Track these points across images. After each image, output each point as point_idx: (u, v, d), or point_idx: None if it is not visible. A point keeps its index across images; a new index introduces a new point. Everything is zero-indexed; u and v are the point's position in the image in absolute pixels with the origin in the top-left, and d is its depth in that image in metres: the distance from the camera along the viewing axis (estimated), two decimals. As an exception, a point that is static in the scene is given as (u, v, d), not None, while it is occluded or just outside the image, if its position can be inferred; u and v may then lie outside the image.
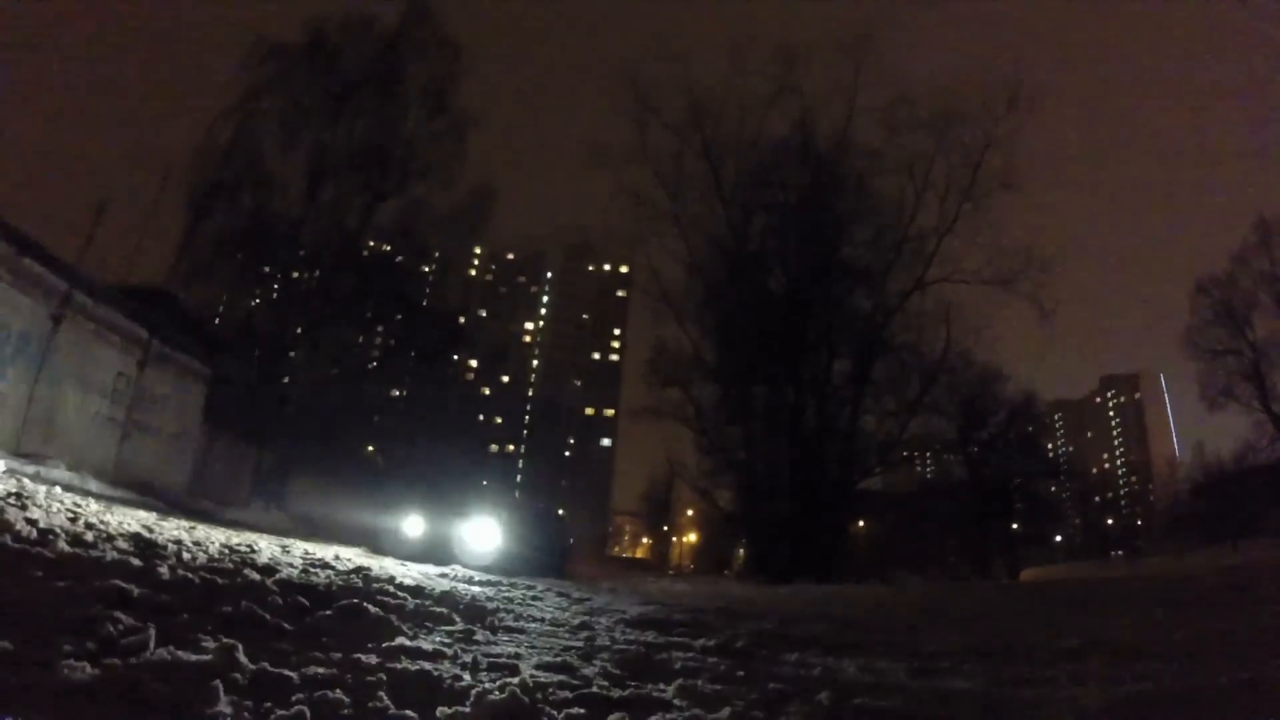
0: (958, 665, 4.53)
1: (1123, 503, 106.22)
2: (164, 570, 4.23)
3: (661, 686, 3.33)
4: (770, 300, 28.46)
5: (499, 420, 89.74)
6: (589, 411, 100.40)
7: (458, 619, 4.90)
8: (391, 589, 5.82)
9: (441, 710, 2.54)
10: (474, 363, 75.13)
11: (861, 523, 43.64)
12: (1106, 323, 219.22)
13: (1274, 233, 42.68)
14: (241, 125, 25.59)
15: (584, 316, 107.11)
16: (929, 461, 57.87)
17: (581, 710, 2.74)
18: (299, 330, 26.35)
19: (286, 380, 26.11)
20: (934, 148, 27.98)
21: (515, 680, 2.95)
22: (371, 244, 29.88)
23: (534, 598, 7.95)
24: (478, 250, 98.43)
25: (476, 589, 7.76)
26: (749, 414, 28.77)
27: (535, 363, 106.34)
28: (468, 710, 2.60)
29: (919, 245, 28.15)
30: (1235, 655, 4.21)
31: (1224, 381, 42.11)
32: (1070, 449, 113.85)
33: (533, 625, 5.39)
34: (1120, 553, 67.57)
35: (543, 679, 3.26)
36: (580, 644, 4.63)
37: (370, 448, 35.65)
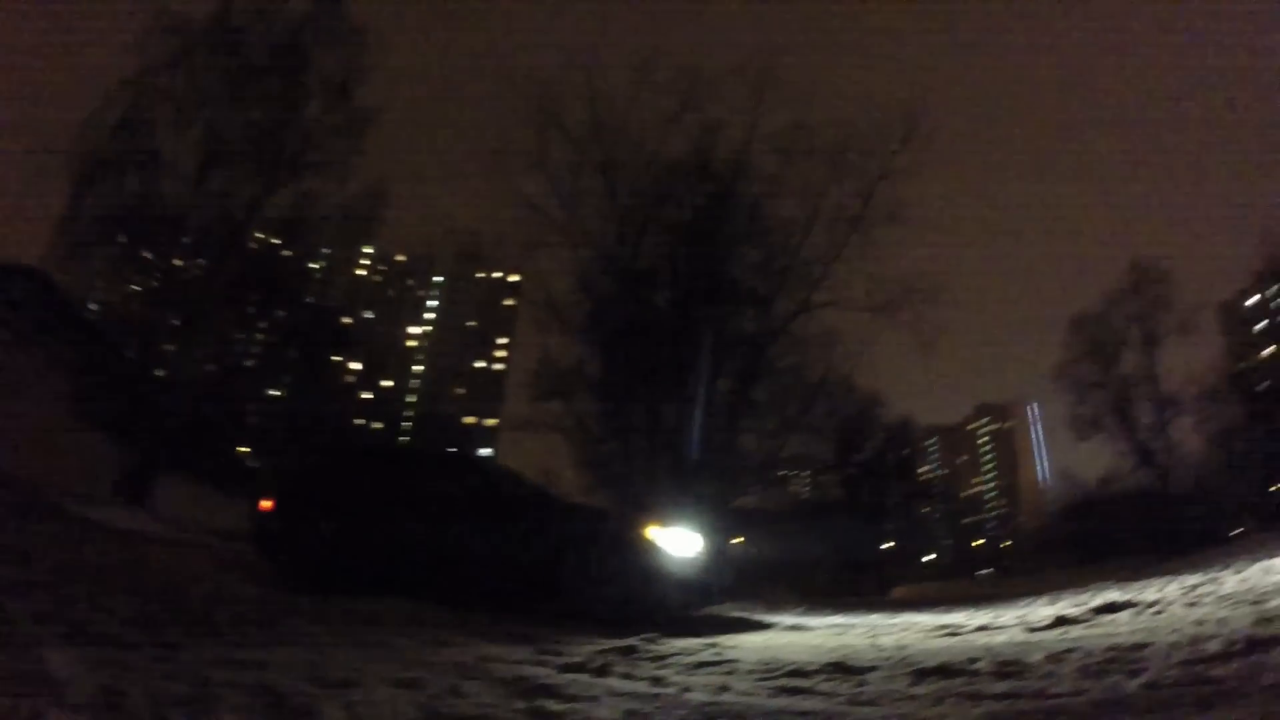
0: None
1: (992, 525, 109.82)
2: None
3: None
4: (657, 317, 28.70)
5: (378, 426, 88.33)
6: (470, 420, 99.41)
7: None
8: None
9: None
10: (356, 366, 73.75)
11: (740, 540, 44.20)
12: (985, 353, 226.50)
13: (1147, 277, 46.19)
14: (135, 100, 24.64)
15: (470, 323, 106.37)
16: (807, 481, 59.12)
17: None
18: (177, 321, 25.55)
19: (160, 373, 25.31)
20: (828, 176, 28.55)
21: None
22: (259, 236, 29.12)
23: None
24: (367, 250, 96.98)
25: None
26: (630, 430, 28.84)
27: (418, 368, 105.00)
28: None
29: (806, 271, 28.77)
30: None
31: (1092, 413, 45.60)
32: (944, 472, 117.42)
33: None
34: (989, 571, 69.95)
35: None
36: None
37: (245, 449, 34.71)
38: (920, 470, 76.84)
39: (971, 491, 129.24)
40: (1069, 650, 5.34)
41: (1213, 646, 4.65)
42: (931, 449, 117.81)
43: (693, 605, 9.27)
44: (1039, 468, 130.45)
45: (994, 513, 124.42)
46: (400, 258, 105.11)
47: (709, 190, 29.29)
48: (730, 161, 29.41)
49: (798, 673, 5.03)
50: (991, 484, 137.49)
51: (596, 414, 30.60)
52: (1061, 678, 4.43)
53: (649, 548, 8.53)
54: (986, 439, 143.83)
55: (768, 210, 29.40)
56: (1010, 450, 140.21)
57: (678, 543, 8.67)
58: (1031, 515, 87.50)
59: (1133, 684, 4.02)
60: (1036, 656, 5.19)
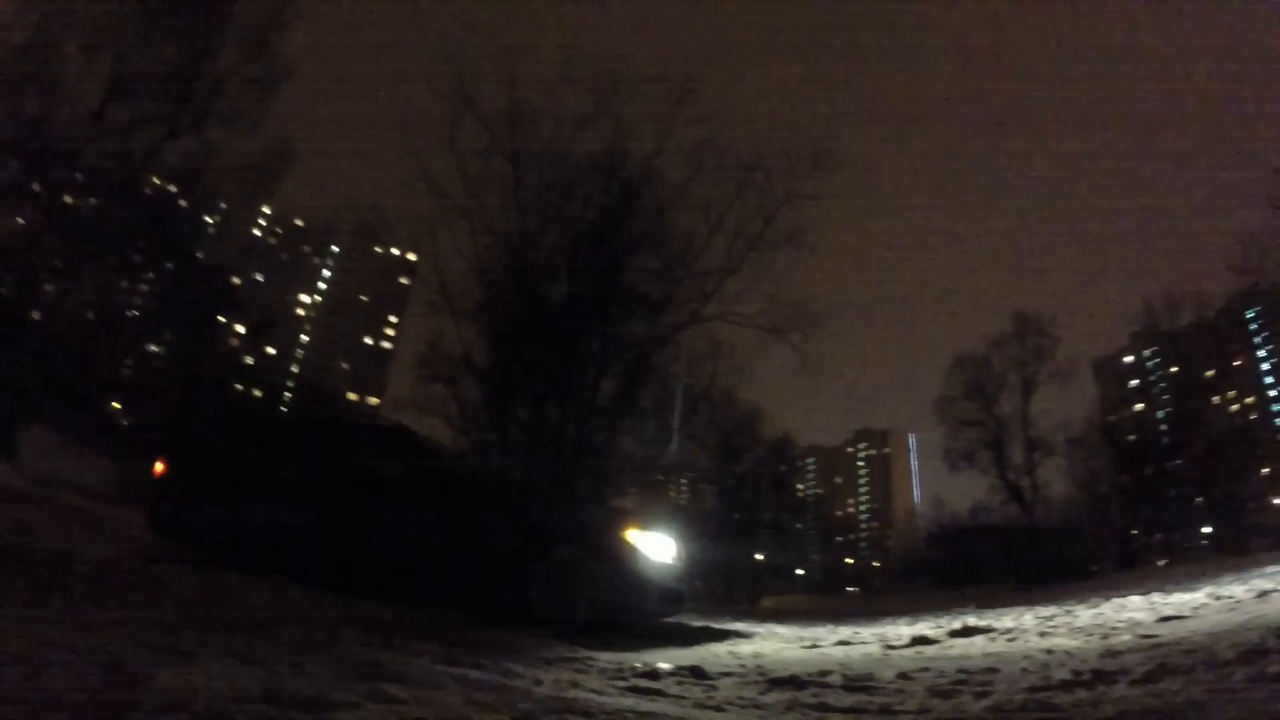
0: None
1: (863, 545, 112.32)
2: None
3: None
4: (550, 313, 28.63)
5: (257, 393, 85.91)
6: (352, 396, 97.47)
7: None
8: None
9: None
10: (241, 329, 71.88)
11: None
12: (869, 381, 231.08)
13: (1030, 327, 48.96)
14: (43, 22, 23.76)
15: (363, 298, 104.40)
16: (684, 489, 59.76)
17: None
18: (59, 263, 24.73)
19: (36, 316, 24.49)
20: (733, 193, 28.96)
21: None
22: (156, 182, 28.29)
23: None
24: (266, 210, 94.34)
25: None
26: (511, 422, 28.80)
27: (305, 338, 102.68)
28: None
29: (700, 283, 29.16)
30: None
31: (966, 448, 47.96)
32: (821, 491, 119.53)
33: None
34: (858, 589, 71.62)
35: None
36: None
37: (119, 405, 33.61)
38: (797, 487, 78.34)
39: (846, 511, 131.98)
40: (922, 669, 5.61)
41: (1060, 675, 4.88)
42: (809, 468, 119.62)
43: (665, 613, 8.55)
44: (913, 494, 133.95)
45: (866, 533, 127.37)
46: (299, 222, 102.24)
47: (615, 192, 29.39)
48: (639, 167, 29.56)
49: (650, 674, 5.15)
50: (866, 506, 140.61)
51: (480, 403, 30.49)
52: (910, 695, 4.62)
53: (630, 551, 7.81)
54: (864, 463, 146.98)
55: (670, 219, 29.72)
56: (886, 475, 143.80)
57: (656, 547, 7.99)
58: (902, 539, 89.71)
59: (978, 706, 4.18)
60: (889, 674, 5.43)
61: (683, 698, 4.47)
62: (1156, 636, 6.57)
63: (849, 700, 4.50)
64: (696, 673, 5.28)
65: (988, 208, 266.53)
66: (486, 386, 29.66)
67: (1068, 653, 6.23)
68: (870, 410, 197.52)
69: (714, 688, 4.87)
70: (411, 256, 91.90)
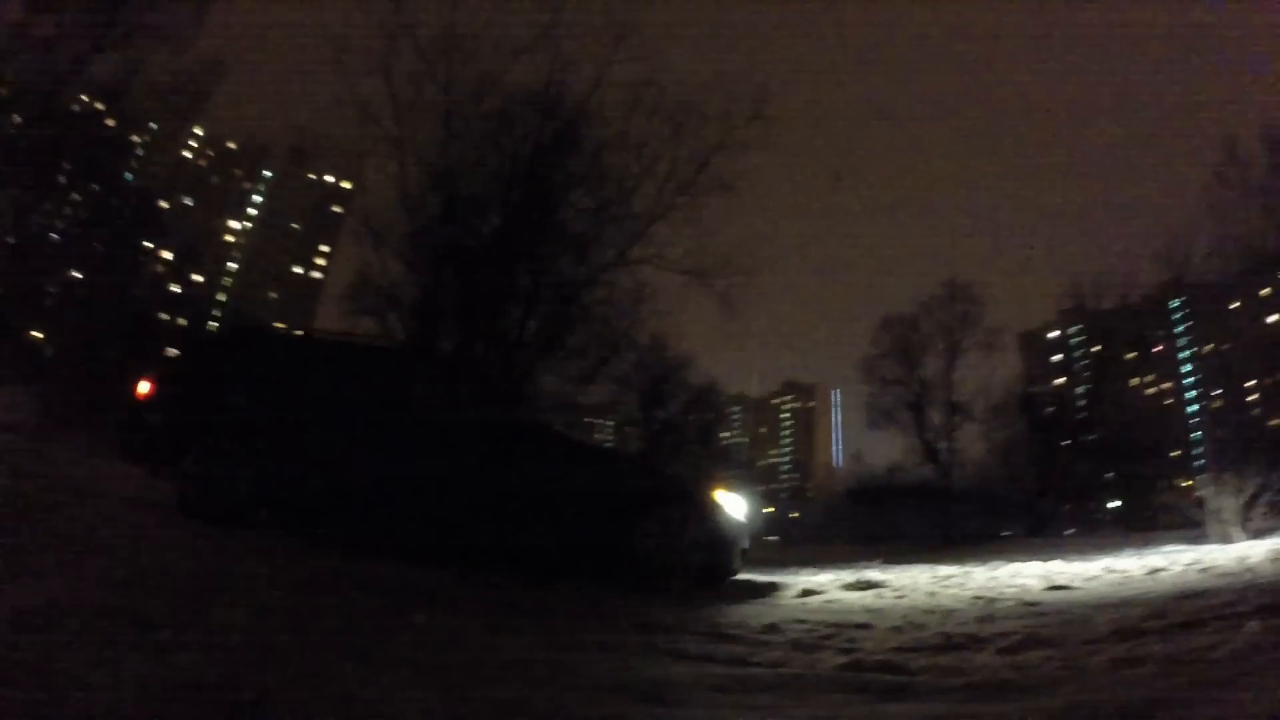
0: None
1: (784, 495, 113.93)
2: None
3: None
4: (479, 248, 28.23)
5: (183, 322, 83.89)
6: (280, 327, 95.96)
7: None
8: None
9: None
10: (168, 255, 70.05)
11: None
12: (799, 334, 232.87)
13: (960, 293, 50.11)
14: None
15: (294, 226, 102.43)
16: (610, 432, 60.15)
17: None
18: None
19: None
20: (667, 136, 28.61)
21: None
22: (83, 99, 27.50)
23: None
24: (197, 131, 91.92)
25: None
26: (438, 356, 28.65)
27: (233, 266, 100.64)
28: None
29: (630, 225, 28.91)
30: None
31: (889, 407, 49.19)
32: (745, 440, 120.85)
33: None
34: (775, 538, 72.79)
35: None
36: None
37: (40, 334, 32.85)
38: (722, 435, 79.27)
39: (768, 461, 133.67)
40: (797, 621, 5.72)
41: (930, 637, 5.03)
42: (735, 417, 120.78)
43: (740, 568, 8.63)
44: (834, 449, 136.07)
45: (787, 484, 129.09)
46: (231, 145, 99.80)
47: (552, 129, 28.92)
48: (577, 104, 29.16)
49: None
50: (788, 457, 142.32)
51: (407, 337, 29.98)
52: (773, 647, 4.68)
53: (719, 510, 8.06)
54: (789, 415, 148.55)
55: (603, 159, 29.24)
56: (810, 428, 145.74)
57: (735, 506, 8.20)
58: (821, 492, 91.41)
59: (835, 661, 4.22)
60: (759, 624, 5.52)
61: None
62: (1039, 605, 6.86)
63: (706, 649, 4.53)
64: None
65: (929, 175, 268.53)
66: (412, 320, 29.04)
67: (948, 613, 6.40)
68: (799, 363, 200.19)
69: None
70: (346, 184, 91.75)
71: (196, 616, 3.77)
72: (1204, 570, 9.34)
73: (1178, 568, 9.96)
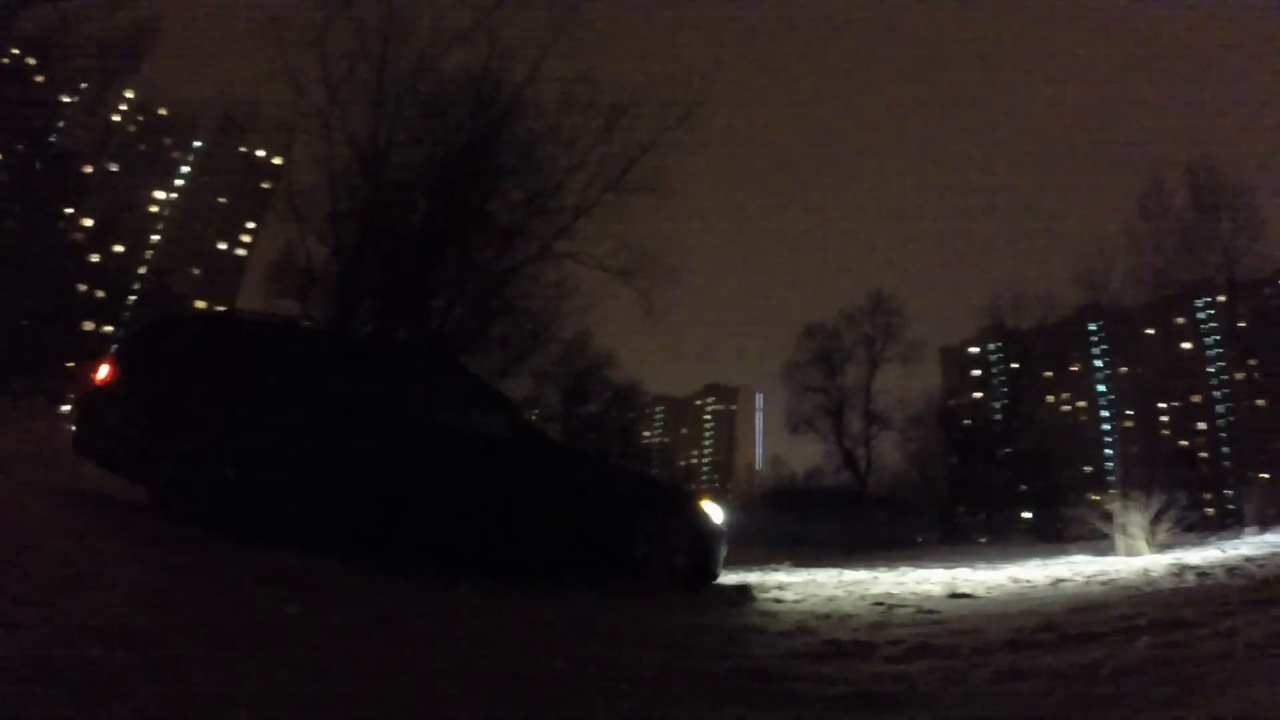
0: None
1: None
2: None
3: None
4: (405, 235, 27.91)
5: (101, 294, 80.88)
6: (200, 304, 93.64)
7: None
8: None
9: None
10: (89, 222, 67.96)
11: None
12: (724, 337, 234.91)
13: (883, 305, 51.86)
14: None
15: (221, 200, 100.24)
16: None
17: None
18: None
19: None
20: (599, 132, 28.46)
21: None
22: (14, 52, 26.61)
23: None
24: (128, 94, 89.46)
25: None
26: None
27: (155, 238, 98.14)
28: None
29: (556, 219, 28.70)
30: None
31: (809, 413, 50.36)
32: (665, 440, 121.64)
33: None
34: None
35: None
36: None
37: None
38: (643, 434, 79.76)
39: (689, 462, 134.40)
40: None
41: (818, 644, 4.99)
42: (657, 416, 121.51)
43: (720, 574, 8.94)
44: (755, 452, 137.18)
45: (707, 485, 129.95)
46: (162, 111, 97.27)
47: (484, 117, 28.61)
48: (511, 93, 28.89)
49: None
50: (709, 458, 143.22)
51: (329, 321, 29.37)
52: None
53: (706, 518, 8.41)
54: (710, 417, 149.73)
55: (533, 150, 29.00)
56: (731, 431, 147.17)
57: (716, 514, 8.54)
58: (740, 494, 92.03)
59: (719, 667, 4.19)
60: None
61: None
62: (938, 613, 6.81)
63: (580, 651, 4.37)
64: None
65: (860, 186, 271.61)
66: (334, 304, 28.15)
67: (844, 619, 6.46)
68: (723, 366, 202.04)
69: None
70: (277, 160, 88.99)
71: (64, 599, 3.68)
72: (1106, 583, 9.51)
73: (1080, 579, 10.14)
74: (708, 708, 3.36)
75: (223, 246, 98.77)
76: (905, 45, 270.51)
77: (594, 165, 28.81)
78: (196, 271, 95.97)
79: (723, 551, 8.55)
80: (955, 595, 8.43)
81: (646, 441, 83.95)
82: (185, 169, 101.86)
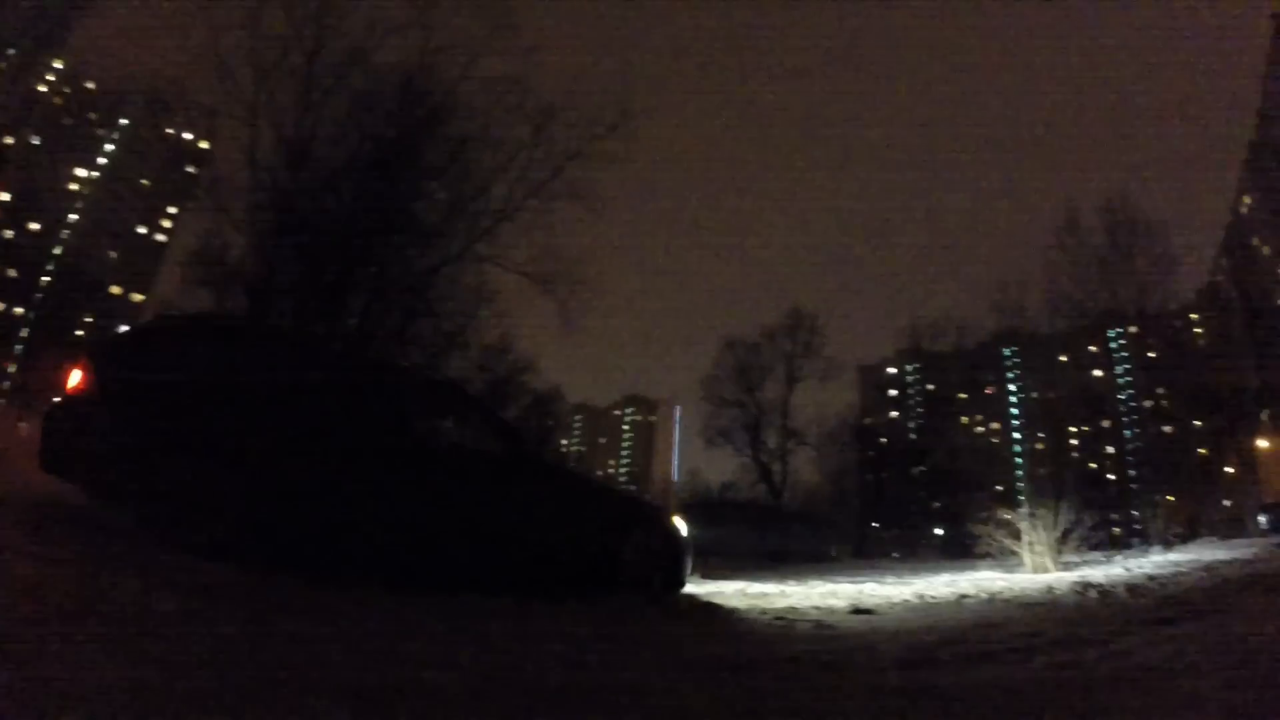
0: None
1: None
2: None
3: None
4: (327, 230, 27.30)
5: (13, 273, 78.08)
6: (115, 290, 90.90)
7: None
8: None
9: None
10: (6, 196, 65.90)
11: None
12: (645, 348, 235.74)
13: (803, 323, 52.94)
14: None
15: (144, 182, 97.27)
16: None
17: None
18: None
19: None
20: (527, 137, 28.51)
21: None
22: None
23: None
24: (56, 64, 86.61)
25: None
26: None
27: (74, 217, 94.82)
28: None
29: (479, 222, 28.68)
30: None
31: (726, 426, 51.10)
32: (583, 449, 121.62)
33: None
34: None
35: None
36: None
37: None
38: (562, 441, 79.95)
39: (606, 471, 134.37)
40: None
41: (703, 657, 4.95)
42: (576, 425, 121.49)
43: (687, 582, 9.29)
44: (672, 463, 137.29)
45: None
46: (89, 85, 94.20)
47: (413, 112, 28.52)
48: (442, 92, 28.73)
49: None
50: (626, 469, 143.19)
51: (246, 314, 28.61)
52: None
53: (677, 531, 8.70)
54: (629, 427, 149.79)
55: (462, 151, 28.94)
56: (649, 441, 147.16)
57: (684, 529, 8.83)
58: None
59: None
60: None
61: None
62: (836, 629, 6.88)
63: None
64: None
65: (786, 204, 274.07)
66: (252, 297, 27.43)
67: (744, 634, 6.66)
68: (643, 378, 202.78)
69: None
70: (204, 144, 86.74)
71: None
72: (1009, 600, 9.74)
73: (985, 595, 10.36)
74: None
75: (142, 231, 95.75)
76: (834, 68, 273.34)
77: (519, 170, 28.89)
78: (114, 255, 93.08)
79: (689, 563, 8.88)
80: (858, 611, 8.59)
81: (565, 449, 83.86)
82: (109, 147, 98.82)
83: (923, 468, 59.48)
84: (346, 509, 6.78)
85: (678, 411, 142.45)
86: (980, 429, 74.66)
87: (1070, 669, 4.50)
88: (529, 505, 7.77)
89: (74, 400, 6.65)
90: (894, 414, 73.31)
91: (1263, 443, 55.52)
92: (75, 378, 6.65)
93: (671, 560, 8.53)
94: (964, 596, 10.35)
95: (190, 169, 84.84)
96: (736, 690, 4.00)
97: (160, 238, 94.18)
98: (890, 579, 14.68)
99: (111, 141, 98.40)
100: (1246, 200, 75.97)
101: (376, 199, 27.66)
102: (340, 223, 27.59)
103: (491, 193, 28.84)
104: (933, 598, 10.33)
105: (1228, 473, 56.21)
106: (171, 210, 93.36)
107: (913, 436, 64.51)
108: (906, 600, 10.05)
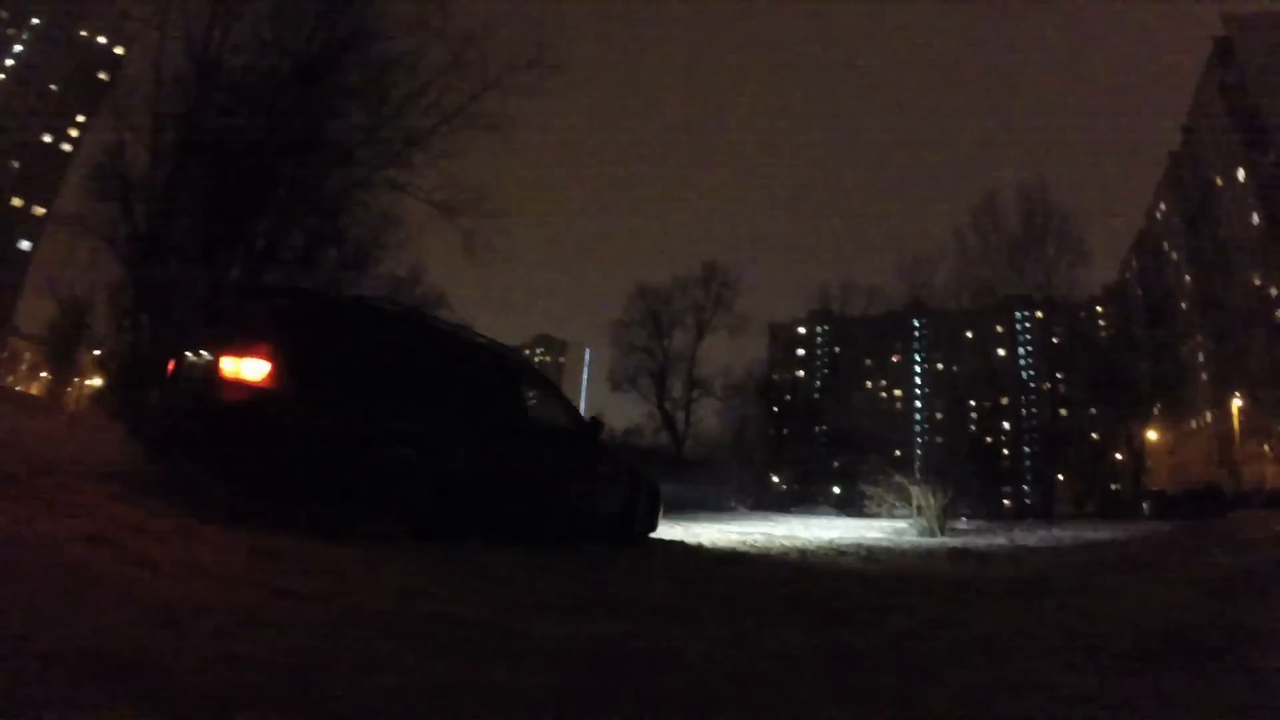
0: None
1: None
2: None
3: None
4: (237, 149, 26.23)
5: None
6: (16, 202, 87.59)
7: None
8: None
9: None
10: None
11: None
12: (559, 289, 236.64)
13: (717, 276, 53.90)
14: None
15: (52, 87, 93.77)
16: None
17: None
18: None
19: None
20: (445, 62, 27.97)
21: None
22: None
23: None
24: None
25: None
26: (183, 260, 26.22)
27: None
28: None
29: (390, 147, 28.32)
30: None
31: (633, 372, 51.79)
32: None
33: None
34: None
35: None
36: None
37: None
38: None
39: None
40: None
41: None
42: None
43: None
44: (580, 405, 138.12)
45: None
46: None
47: (334, 28, 27.70)
48: (362, 9, 28.10)
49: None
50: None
51: (150, 234, 27.60)
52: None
53: (656, 487, 11.14)
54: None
55: (382, 73, 28.37)
56: (558, 383, 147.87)
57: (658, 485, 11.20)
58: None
59: (425, 609, 4.21)
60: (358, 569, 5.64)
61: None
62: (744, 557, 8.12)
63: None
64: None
65: (706, 156, 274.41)
66: (157, 215, 26.31)
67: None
68: (554, 319, 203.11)
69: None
70: (119, 50, 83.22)
71: None
72: (884, 561, 10.38)
73: (864, 553, 10.98)
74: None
75: (48, 139, 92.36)
76: (769, 30, 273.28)
77: (435, 95, 28.34)
78: (16, 165, 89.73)
79: (661, 512, 11.44)
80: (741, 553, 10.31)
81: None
82: (18, 48, 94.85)
83: (824, 427, 60.85)
84: (501, 484, 7.79)
85: (588, 354, 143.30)
86: (883, 395, 76.67)
87: (915, 637, 4.53)
88: (590, 475, 9.56)
89: (247, 388, 6.04)
90: (800, 373, 74.99)
91: (1152, 434, 58.14)
92: (257, 370, 6.05)
93: (653, 511, 11.04)
94: (842, 554, 10.73)
95: (103, 75, 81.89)
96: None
97: (66, 148, 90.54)
98: (781, 530, 15.09)
99: (21, 42, 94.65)
100: (1162, 206, 78.84)
101: (290, 117, 26.96)
102: (250, 141, 26.54)
103: (406, 118, 28.31)
104: (814, 551, 10.75)
105: (1117, 459, 58.39)
106: (80, 118, 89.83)
107: (817, 396, 65.90)
108: (786, 549, 11.13)
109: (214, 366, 6.21)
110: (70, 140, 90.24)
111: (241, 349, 6.12)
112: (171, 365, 6.96)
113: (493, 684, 2.75)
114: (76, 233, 27.11)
